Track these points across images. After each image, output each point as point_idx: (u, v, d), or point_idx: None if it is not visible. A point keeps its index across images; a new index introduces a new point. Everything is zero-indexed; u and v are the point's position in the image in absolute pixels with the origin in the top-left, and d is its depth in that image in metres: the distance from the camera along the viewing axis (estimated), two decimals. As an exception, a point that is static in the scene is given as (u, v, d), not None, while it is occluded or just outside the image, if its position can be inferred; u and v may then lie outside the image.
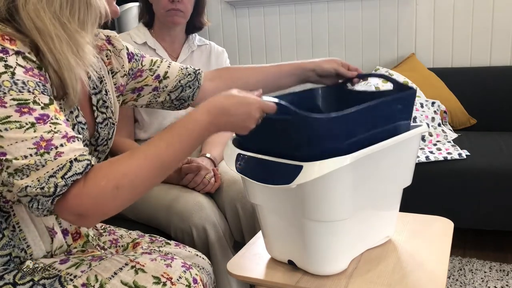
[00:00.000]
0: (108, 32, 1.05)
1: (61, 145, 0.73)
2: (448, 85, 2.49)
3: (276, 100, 0.89)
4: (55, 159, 0.72)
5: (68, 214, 0.74)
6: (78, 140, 0.76)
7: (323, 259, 0.95)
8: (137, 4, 2.45)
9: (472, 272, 1.89)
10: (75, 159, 0.73)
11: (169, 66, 1.14)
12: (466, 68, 2.58)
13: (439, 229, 1.14)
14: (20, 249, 0.88)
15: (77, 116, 0.87)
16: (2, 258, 0.86)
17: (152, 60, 1.12)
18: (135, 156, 0.78)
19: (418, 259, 1.01)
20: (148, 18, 1.61)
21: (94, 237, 1.01)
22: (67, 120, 0.82)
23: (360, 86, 2.11)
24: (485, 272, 1.89)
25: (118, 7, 0.93)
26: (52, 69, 0.78)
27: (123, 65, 1.05)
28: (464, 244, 2.15)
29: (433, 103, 2.35)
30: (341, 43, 2.84)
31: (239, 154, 0.96)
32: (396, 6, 2.70)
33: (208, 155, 1.52)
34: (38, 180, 0.71)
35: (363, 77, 1.18)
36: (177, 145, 0.80)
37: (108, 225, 1.13)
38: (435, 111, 2.32)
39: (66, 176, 0.72)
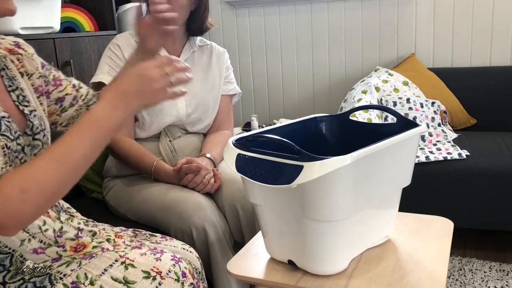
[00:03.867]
0: (13, 38, 1.04)
1: None
2: (448, 85, 2.49)
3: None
4: None
5: None
6: None
7: (323, 259, 0.95)
8: (137, 4, 2.45)
9: (472, 272, 1.89)
10: None
11: (79, 82, 1.14)
12: (466, 68, 2.58)
13: (439, 229, 1.14)
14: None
15: None
16: None
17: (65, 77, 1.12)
18: (39, 158, 0.76)
19: (418, 259, 1.01)
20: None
21: (68, 220, 1.00)
22: None
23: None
24: (485, 272, 1.89)
25: (15, 6, 0.89)
26: None
27: (37, 67, 1.03)
28: (464, 244, 2.15)
29: (433, 103, 2.35)
30: (341, 43, 2.84)
31: (239, 154, 0.96)
32: (396, 6, 2.70)
33: (208, 155, 1.52)
34: None
35: (364, 108, 1.16)
36: (80, 141, 0.78)
37: (91, 220, 1.12)
38: (435, 111, 2.32)
39: None
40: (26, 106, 0.95)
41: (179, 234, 1.31)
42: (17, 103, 0.93)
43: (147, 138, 1.56)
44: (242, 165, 0.94)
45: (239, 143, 0.96)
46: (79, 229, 1.00)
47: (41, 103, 1.03)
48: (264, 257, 1.06)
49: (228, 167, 0.97)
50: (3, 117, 0.85)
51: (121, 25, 2.50)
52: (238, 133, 2.72)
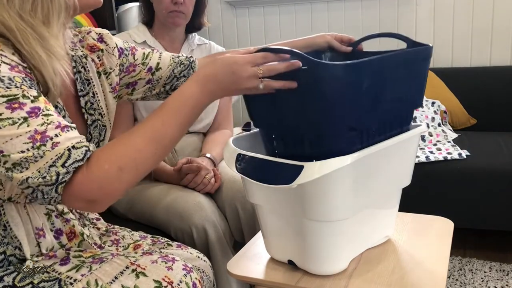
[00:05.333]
0: (99, 30, 1.04)
1: (56, 135, 0.73)
2: (448, 85, 2.49)
3: (282, 48, 0.86)
4: (52, 149, 0.72)
5: (76, 201, 0.74)
6: (72, 129, 0.76)
7: (323, 259, 0.95)
8: (137, 4, 2.45)
9: (472, 272, 1.89)
10: (73, 147, 0.73)
11: (160, 57, 1.12)
12: (466, 68, 2.58)
13: (439, 229, 1.14)
14: (14, 247, 0.88)
15: (64, 117, 0.87)
16: None
17: (144, 53, 1.11)
18: (134, 136, 0.78)
19: (418, 259, 1.01)
20: (148, 17, 1.61)
21: (90, 236, 1.01)
22: None
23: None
24: (485, 272, 1.89)
25: None
26: (32, 65, 0.78)
27: (116, 63, 1.04)
28: (464, 244, 2.15)
29: (433, 103, 2.35)
30: (341, 43, 2.84)
31: (239, 154, 0.96)
32: (396, 6, 2.70)
33: (208, 155, 1.52)
34: (39, 171, 0.71)
35: (366, 39, 1.12)
36: (172, 121, 0.81)
37: (112, 226, 1.13)
38: (435, 111, 2.32)
39: (66, 164, 0.72)
40: (91, 114, 0.96)
41: (180, 234, 1.31)
42: (83, 110, 0.94)
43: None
44: (242, 165, 0.94)
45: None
46: (100, 247, 1.00)
47: (115, 101, 1.04)
48: (264, 257, 1.06)
49: (228, 167, 0.97)
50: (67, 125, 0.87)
51: (121, 25, 2.50)
52: (238, 133, 2.72)
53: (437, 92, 2.45)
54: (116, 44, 1.06)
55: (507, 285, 1.80)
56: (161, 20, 1.56)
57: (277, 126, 0.94)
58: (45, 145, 0.72)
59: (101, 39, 1.03)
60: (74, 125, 0.78)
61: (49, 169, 0.71)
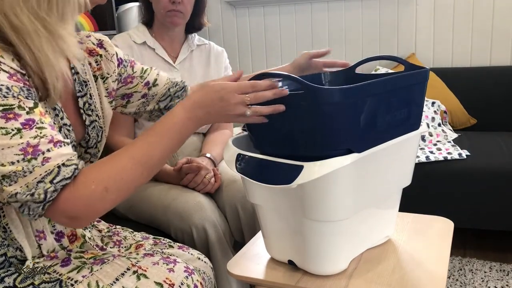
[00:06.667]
0: (99, 36, 1.05)
1: (48, 150, 0.73)
2: (448, 85, 2.49)
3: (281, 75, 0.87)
4: (42, 165, 0.72)
5: (60, 217, 0.76)
6: (65, 145, 0.76)
7: (323, 259, 0.95)
8: (137, 4, 2.45)
9: (472, 272, 1.89)
10: (63, 164, 0.74)
11: (158, 74, 1.13)
12: (466, 68, 2.58)
13: (439, 229, 1.14)
14: (15, 249, 0.88)
15: (62, 118, 0.87)
16: None
17: (143, 68, 1.12)
18: (121, 157, 0.80)
19: (418, 259, 1.01)
20: (148, 17, 1.61)
21: (91, 238, 1.01)
22: (54, 123, 0.81)
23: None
24: (485, 272, 1.89)
25: None
26: (32, 70, 0.77)
27: (114, 70, 1.04)
28: (464, 244, 2.15)
29: (433, 103, 2.35)
30: (341, 43, 2.84)
31: (239, 154, 0.96)
32: (396, 6, 2.70)
33: (208, 155, 1.52)
34: (27, 186, 0.72)
35: (364, 62, 1.13)
36: (159, 144, 0.82)
37: (113, 226, 1.13)
38: (435, 111, 2.32)
39: (54, 181, 0.73)
40: (89, 115, 0.96)
41: (180, 234, 1.31)
42: (82, 110, 0.95)
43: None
44: (242, 165, 0.94)
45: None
46: (102, 249, 1.00)
47: (111, 106, 1.05)
48: (264, 257, 1.06)
49: (228, 167, 0.97)
50: (65, 124, 0.87)
51: (121, 25, 2.50)
52: (238, 133, 2.72)
53: (437, 92, 2.45)
54: (116, 53, 1.06)
55: (507, 285, 1.80)
56: (160, 20, 1.56)
57: (277, 148, 0.94)
58: (36, 158, 0.72)
59: (100, 44, 1.03)
60: (68, 140, 0.78)
61: (37, 185, 0.72)
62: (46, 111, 0.82)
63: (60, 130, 0.85)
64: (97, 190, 0.75)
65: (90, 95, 0.98)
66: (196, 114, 0.86)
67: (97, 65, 1.01)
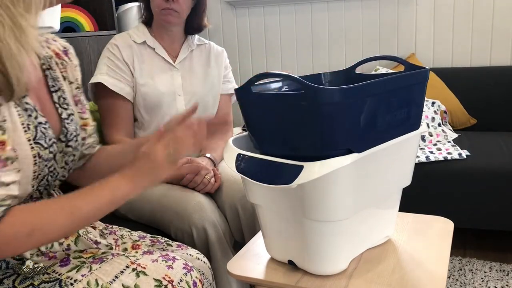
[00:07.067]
0: (65, 44, 1.04)
1: None
2: (448, 85, 2.49)
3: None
4: None
5: None
6: (3, 187, 0.77)
7: (323, 259, 0.95)
8: (137, 4, 2.45)
9: (472, 272, 1.89)
10: None
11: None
12: (466, 68, 2.58)
13: (439, 229, 1.14)
14: None
15: (36, 117, 0.86)
16: None
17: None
18: (54, 206, 0.81)
19: (418, 259, 1.01)
20: (147, 17, 1.61)
21: (85, 232, 1.00)
22: (28, 124, 0.82)
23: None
24: (485, 272, 1.89)
25: None
26: None
27: (77, 78, 1.04)
28: (464, 244, 2.15)
29: (433, 103, 2.35)
30: (341, 43, 2.84)
31: (239, 154, 0.96)
32: (396, 6, 2.70)
33: (208, 155, 1.52)
34: None
35: (364, 62, 1.13)
36: (94, 204, 0.83)
37: (110, 225, 1.13)
38: (435, 111, 2.32)
39: None
40: (65, 109, 0.96)
41: (179, 234, 1.31)
42: (57, 105, 0.94)
43: (147, 138, 1.56)
44: (242, 165, 0.94)
45: (241, 88, 0.95)
46: (96, 242, 1.00)
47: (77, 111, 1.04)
48: (264, 257, 1.06)
49: (228, 167, 0.97)
50: (40, 123, 0.86)
51: (121, 25, 2.50)
52: (238, 133, 2.72)
53: (437, 92, 2.45)
54: (79, 65, 1.06)
55: (507, 285, 1.80)
56: (156, 19, 1.56)
57: (277, 148, 0.94)
58: None
59: (65, 52, 1.03)
60: (12, 179, 0.79)
61: None
62: (19, 114, 0.81)
63: (36, 130, 0.84)
64: (21, 232, 0.75)
65: (63, 90, 0.98)
66: (127, 173, 0.87)
67: (63, 67, 1.01)
